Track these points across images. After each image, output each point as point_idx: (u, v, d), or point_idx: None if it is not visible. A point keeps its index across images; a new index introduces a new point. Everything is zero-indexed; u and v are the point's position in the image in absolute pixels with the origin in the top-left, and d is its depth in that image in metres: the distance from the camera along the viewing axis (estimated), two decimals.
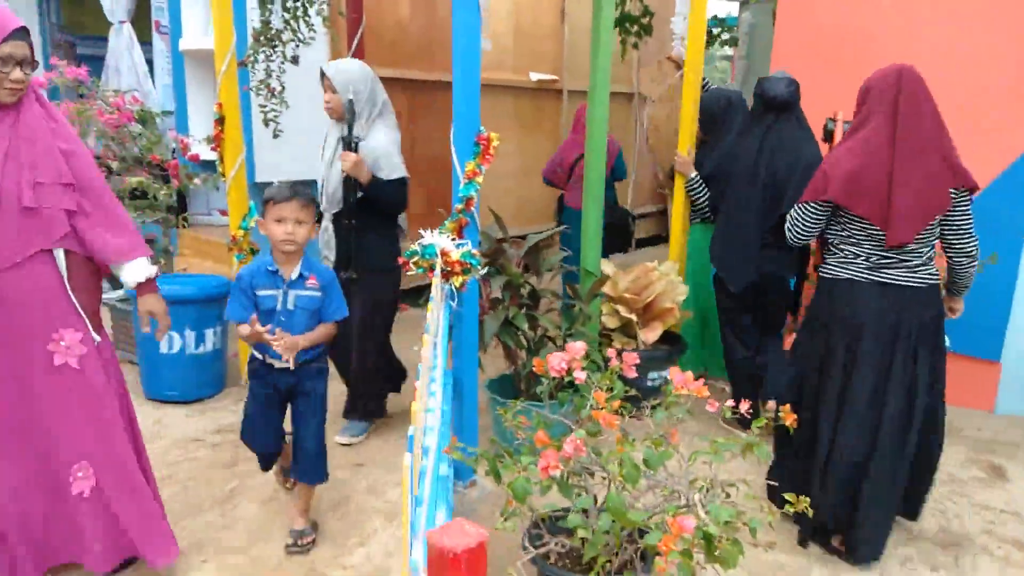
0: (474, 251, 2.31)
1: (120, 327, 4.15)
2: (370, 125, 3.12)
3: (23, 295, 2.02)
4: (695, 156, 3.91)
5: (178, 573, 2.34)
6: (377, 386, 3.39)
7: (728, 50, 8.19)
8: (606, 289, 3.57)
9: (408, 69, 5.43)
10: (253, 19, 4.14)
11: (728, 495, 2.15)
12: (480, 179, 2.56)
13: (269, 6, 3.74)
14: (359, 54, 4.80)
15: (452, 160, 2.56)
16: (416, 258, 2.23)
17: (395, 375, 3.54)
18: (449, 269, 2.24)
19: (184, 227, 5.36)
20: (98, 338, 2.17)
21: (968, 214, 2.37)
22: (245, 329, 2.30)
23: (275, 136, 3.95)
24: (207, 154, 4.39)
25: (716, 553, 1.94)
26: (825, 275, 2.51)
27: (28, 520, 2.11)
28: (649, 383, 3.61)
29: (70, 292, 2.09)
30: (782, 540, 2.58)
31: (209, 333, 3.77)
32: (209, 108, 4.50)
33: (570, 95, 7.16)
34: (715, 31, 7.52)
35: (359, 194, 3.01)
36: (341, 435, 3.30)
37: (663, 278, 3.57)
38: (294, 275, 2.36)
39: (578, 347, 2.28)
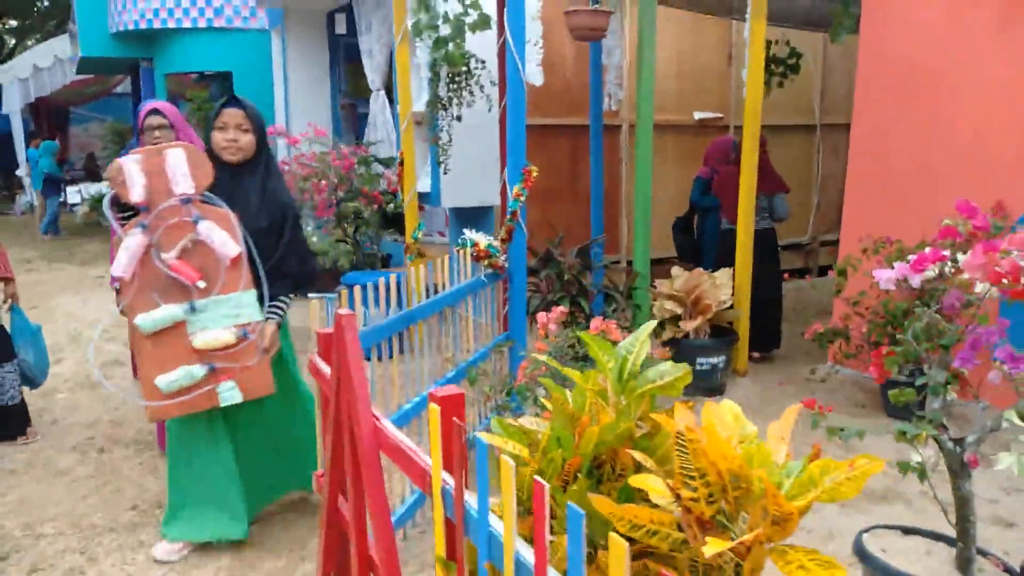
0: (495, 243, 3.50)
1: None
2: None
3: None
4: None
5: None
6: None
7: None
8: (663, 287, 4.48)
9: (569, 117, 6.72)
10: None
11: None
12: (523, 199, 3.73)
13: (438, 81, 5.26)
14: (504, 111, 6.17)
15: (505, 184, 3.77)
16: (460, 247, 3.47)
17: None
18: (477, 255, 3.45)
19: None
20: None
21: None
22: None
23: (445, 173, 5.45)
24: None
25: None
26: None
27: None
28: (698, 367, 4.43)
29: None
30: None
31: None
32: (416, 155, 6.18)
33: (736, 130, 7.86)
34: None
35: None
36: None
37: (709, 281, 4.39)
38: None
39: (560, 310, 3.35)
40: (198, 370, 2.62)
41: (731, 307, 4.53)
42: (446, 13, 4.76)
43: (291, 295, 2.84)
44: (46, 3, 20.52)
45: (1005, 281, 1.92)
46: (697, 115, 7.58)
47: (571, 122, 6.77)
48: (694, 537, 1.24)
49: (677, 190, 7.41)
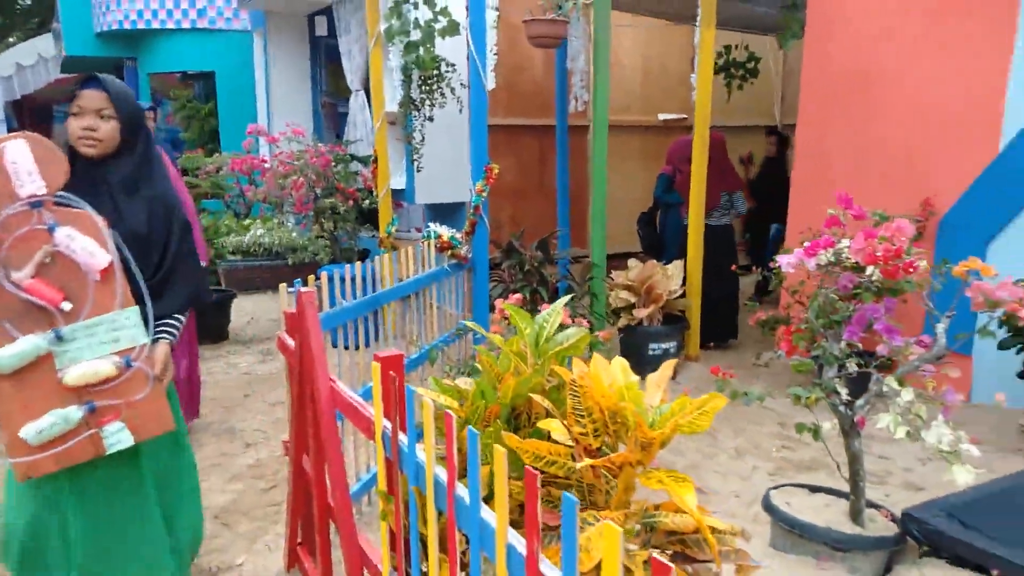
0: (458, 235, 3.78)
1: None
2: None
3: None
4: None
5: None
6: None
7: None
8: (619, 278, 4.78)
9: (538, 118, 7.01)
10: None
11: None
12: (485, 195, 4.02)
13: (410, 84, 5.54)
14: None
15: (469, 183, 4.06)
16: (425, 239, 3.75)
17: None
18: (440, 246, 3.74)
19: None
20: None
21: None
22: None
23: (418, 171, 5.73)
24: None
25: None
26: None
27: None
28: (650, 352, 4.74)
29: None
30: None
31: None
32: (392, 153, 6.46)
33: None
34: None
35: None
36: None
37: (660, 272, 4.70)
38: None
39: (516, 297, 3.64)
40: (74, 412, 2.06)
41: (682, 296, 4.83)
42: (417, 19, 5.03)
43: (185, 314, 2.32)
44: (28, 1, 20.57)
45: (881, 263, 2.23)
46: (662, 116, 7.90)
47: (540, 123, 7.07)
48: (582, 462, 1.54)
49: (643, 188, 7.72)
